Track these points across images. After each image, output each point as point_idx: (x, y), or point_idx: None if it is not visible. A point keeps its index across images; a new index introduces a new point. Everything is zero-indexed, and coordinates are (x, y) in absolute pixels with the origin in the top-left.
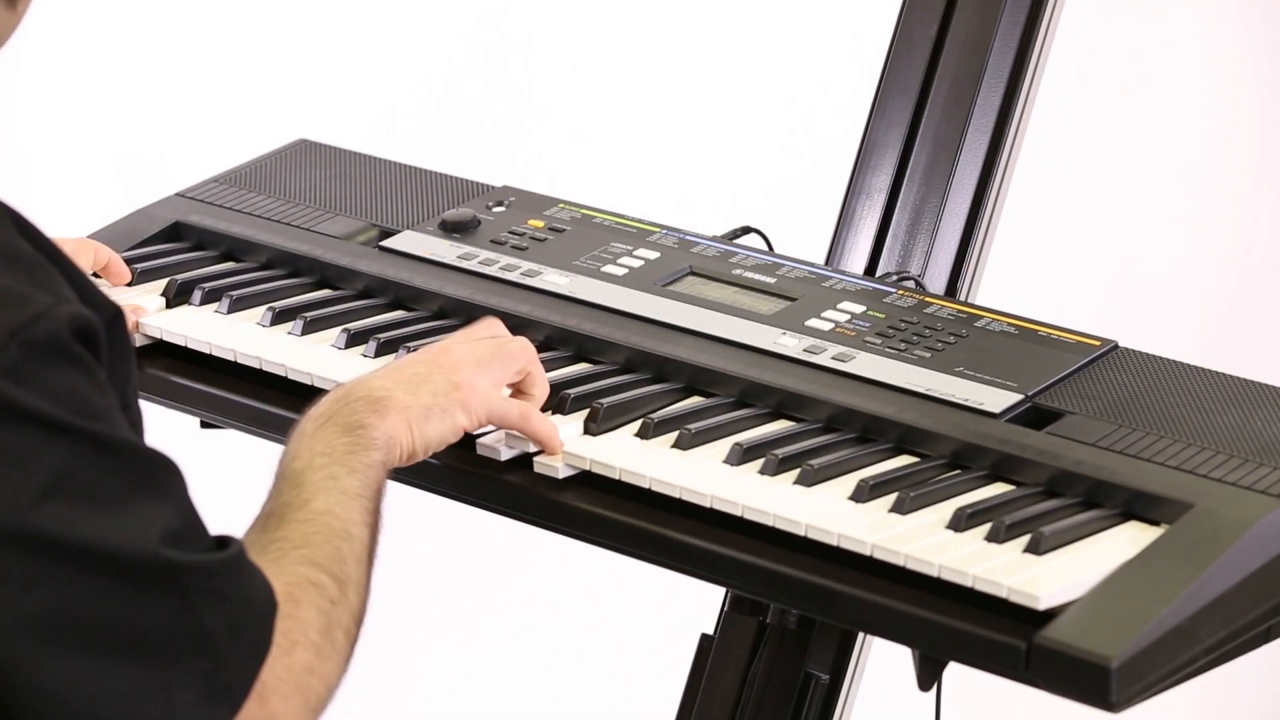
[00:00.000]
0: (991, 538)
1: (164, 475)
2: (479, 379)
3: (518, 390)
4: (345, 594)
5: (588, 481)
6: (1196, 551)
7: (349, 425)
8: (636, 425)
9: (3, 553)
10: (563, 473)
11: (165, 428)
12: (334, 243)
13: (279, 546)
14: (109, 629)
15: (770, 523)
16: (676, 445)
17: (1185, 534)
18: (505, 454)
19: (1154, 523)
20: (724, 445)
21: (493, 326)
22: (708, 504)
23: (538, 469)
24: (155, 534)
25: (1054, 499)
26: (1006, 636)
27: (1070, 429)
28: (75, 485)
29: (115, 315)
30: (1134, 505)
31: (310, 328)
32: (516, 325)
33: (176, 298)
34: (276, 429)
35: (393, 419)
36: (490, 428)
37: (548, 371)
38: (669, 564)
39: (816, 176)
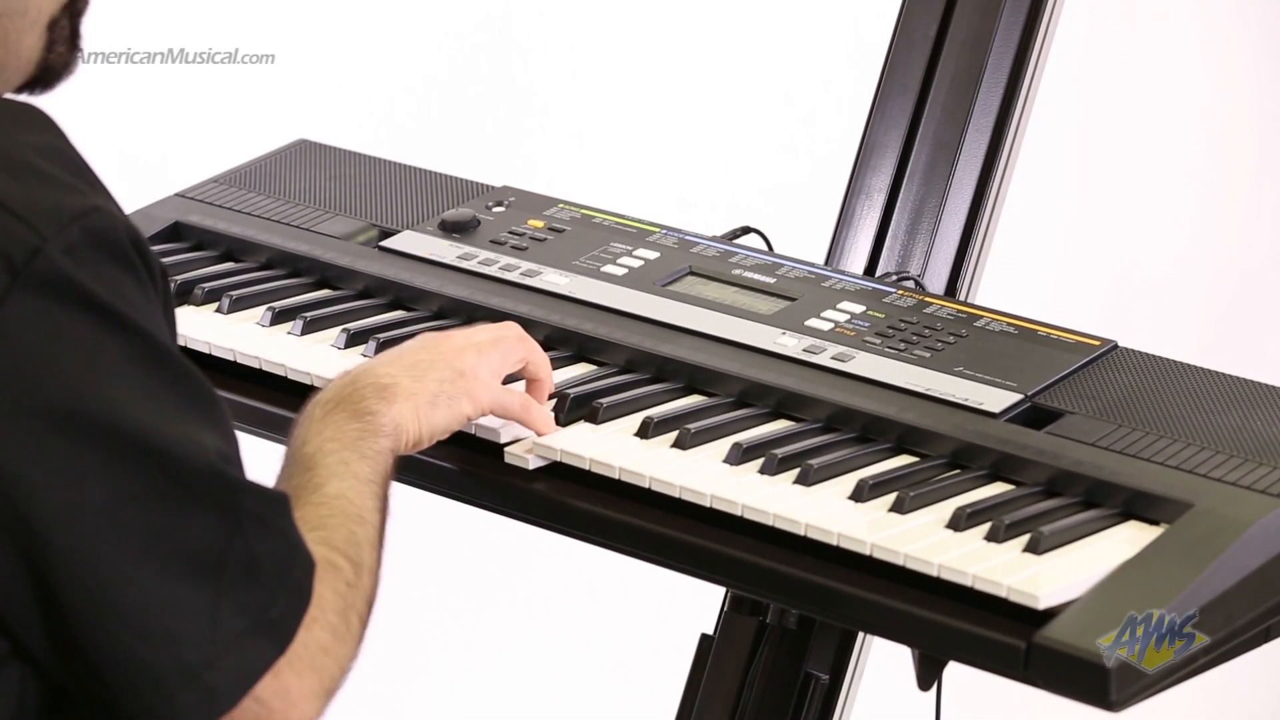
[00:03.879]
0: (991, 537)
1: (215, 402)
2: (481, 367)
3: (525, 379)
4: (360, 577)
5: (587, 481)
6: (1196, 551)
7: (357, 411)
8: (636, 425)
9: (56, 437)
10: (533, 464)
11: None
12: (334, 243)
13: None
14: (158, 534)
15: (770, 522)
16: (676, 445)
17: (1185, 533)
18: (504, 436)
19: (1153, 522)
20: (724, 445)
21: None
22: (707, 503)
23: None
24: (211, 447)
25: (1053, 499)
26: (1006, 636)
27: (1070, 429)
28: (131, 379)
29: (163, 270)
30: (1133, 505)
31: (310, 328)
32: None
33: (176, 298)
34: (276, 429)
35: (400, 406)
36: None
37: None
38: (669, 564)
39: (816, 176)
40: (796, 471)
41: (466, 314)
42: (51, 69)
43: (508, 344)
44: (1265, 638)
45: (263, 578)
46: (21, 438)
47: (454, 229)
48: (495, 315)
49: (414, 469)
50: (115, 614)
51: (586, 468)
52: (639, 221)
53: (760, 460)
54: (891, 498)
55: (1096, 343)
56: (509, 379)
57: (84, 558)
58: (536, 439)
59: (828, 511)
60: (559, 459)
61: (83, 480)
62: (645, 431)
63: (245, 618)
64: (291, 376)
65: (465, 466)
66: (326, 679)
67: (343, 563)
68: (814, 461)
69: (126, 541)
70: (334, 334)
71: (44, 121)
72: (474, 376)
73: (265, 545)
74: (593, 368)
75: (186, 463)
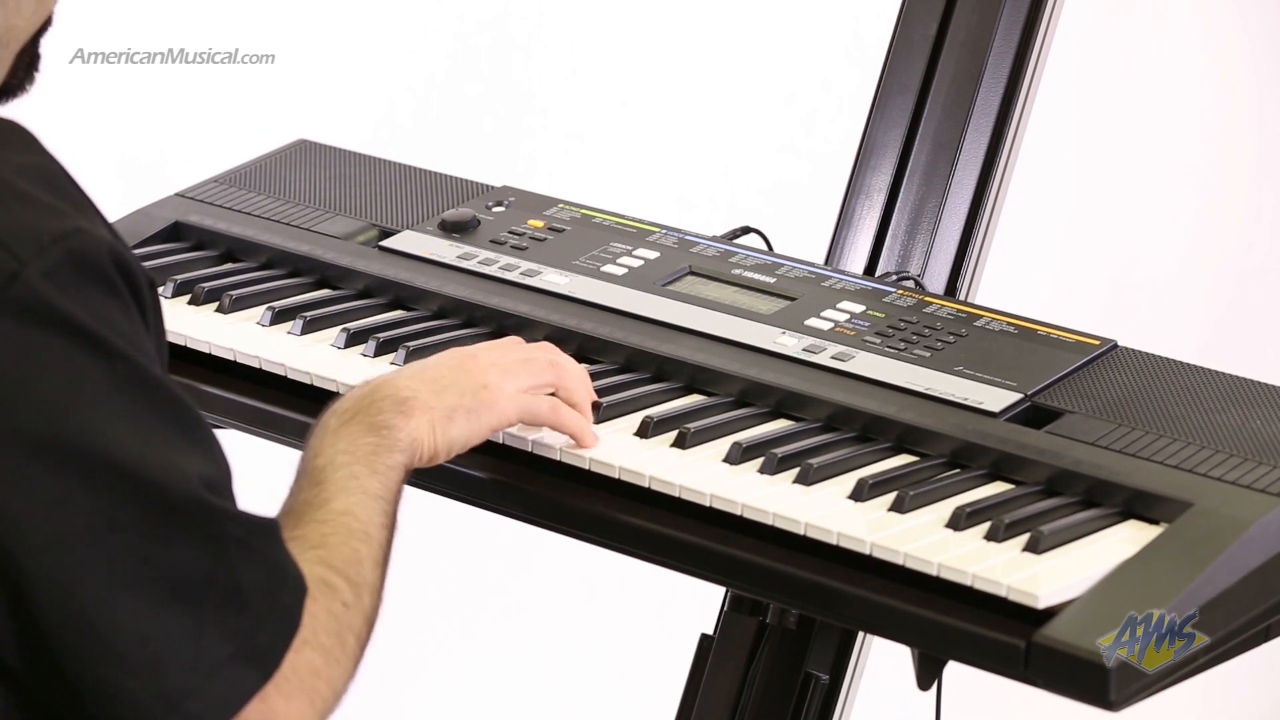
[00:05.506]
0: (991, 537)
1: (201, 427)
2: (506, 383)
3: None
4: (360, 597)
5: (588, 481)
6: (1195, 550)
7: (374, 425)
8: (636, 424)
9: (35, 464)
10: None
11: None
12: (334, 243)
13: (295, 546)
14: (140, 562)
15: (770, 522)
16: (676, 444)
17: (1184, 533)
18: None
19: (1153, 521)
20: (723, 444)
21: (516, 343)
22: (707, 503)
23: (534, 449)
24: (194, 474)
25: (1053, 498)
26: (1006, 635)
27: (1069, 428)
28: (112, 405)
29: (151, 283)
30: (1133, 504)
31: (310, 327)
32: (516, 325)
33: (176, 297)
34: (276, 429)
35: (417, 420)
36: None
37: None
38: (669, 564)
39: (816, 176)
40: (796, 471)
41: (466, 314)
42: (8, 90)
43: (536, 366)
44: (1265, 637)
45: (248, 605)
46: (1, 465)
47: (454, 229)
48: (495, 315)
49: (416, 469)
50: (96, 642)
51: (586, 467)
52: (639, 221)
53: (760, 460)
54: (891, 497)
55: (1096, 342)
56: None
57: (65, 585)
58: (536, 439)
59: (827, 511)
60: (559, 459)
61: (63, 508)
62: (645, 431)
63: (229, 645)
64: (291, 376)
65: (466, 466)
66: (318, 701)
67: (340, 583)
68: (814, 461)
69: (108, 569)
70: (334, 334)
71: (26, 139)
72: (498, 388)
73: (250, 572)
74: (592, 367)
75: (169, 490)
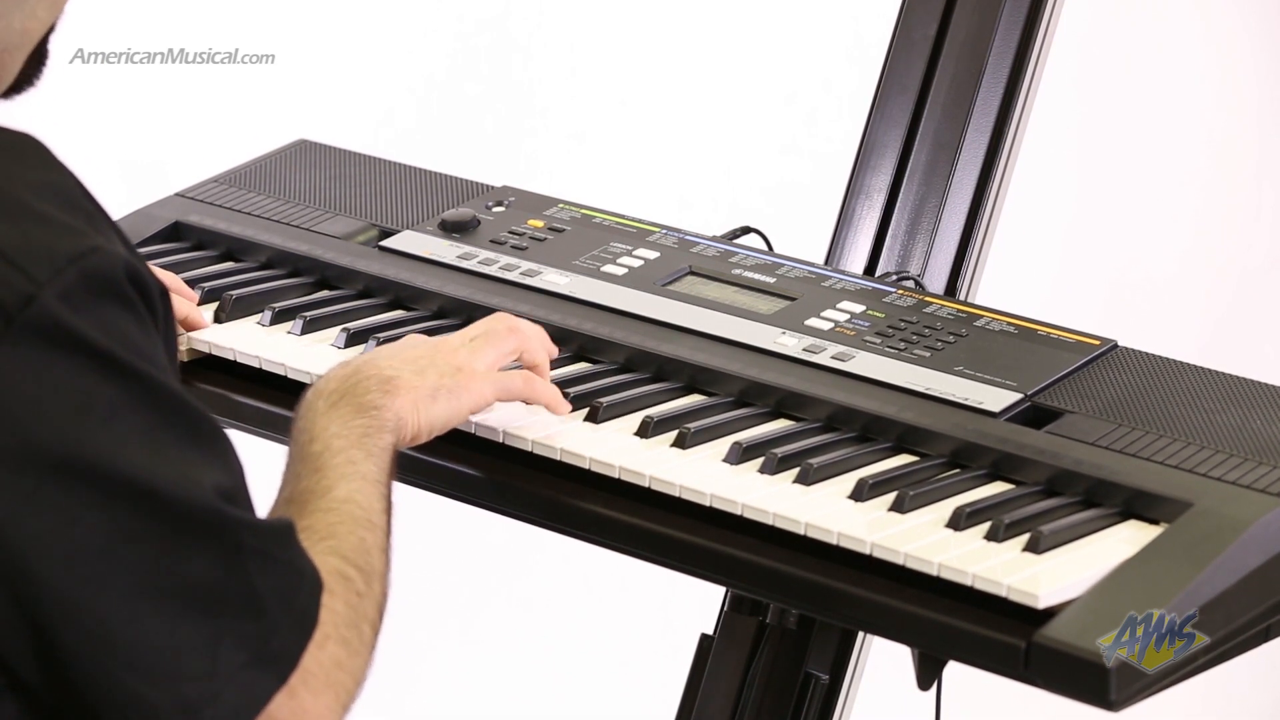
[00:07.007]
0: (991, 537)
1: (216, 436)
2: (476, 361)
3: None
4: (371, 586)
5: (588, 481)
6: (1195, 550)
7: (362, 405)
8: (636, 424)
9: (49, 483)
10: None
11: None
12: (334, 243)
13: (305, 537)
14: (156, 573)
15: (770, 522)
16: (676, 444)
17: (1184, 533)
18: (502, 436)
19: (1153, 521)
20: (723, 444)
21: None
22: (707, 503)
23: (534, 449)
24: (209, 485)
25: (1053, 498)
26: (1006, 635)
27: (1070, 428)
28: (126, 423)
29: (163, 291)
30: (1133, 504)
31: (310, 327)
32: None
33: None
34: (276, 429)
35: (402, 399)
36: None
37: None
38: (669, 563)
39: (816, 176)
40: (796, 471)
41: (466, 314)
42: (17, 86)
43: (498, 336)
44: (1265, 637)
45: (264, 610)
46: (15, 485)
47: (454, 229)
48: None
49: (415, 468)
50: (114, 654)
51: (587, 467)
52: (639, 221)
53: (760, 460)
54: (891, 497)
55: (1096, 342)
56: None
57: (82, 601)
58: (536, 439)
59: (827, 511)
60: (559, 458)
61: (79, 524)
62: (645, 431)
63: (245, 651)
64: (291, 376)
65: (466, 466)
66: (342, 694)
67: (353, 572)
68: (814, 461)
69: (124, 582)
70: (334, 334)
71: (41, 154)
72: (470, 371)
73: (266, 578)
74: (592, 367)
75: (183, 502)
